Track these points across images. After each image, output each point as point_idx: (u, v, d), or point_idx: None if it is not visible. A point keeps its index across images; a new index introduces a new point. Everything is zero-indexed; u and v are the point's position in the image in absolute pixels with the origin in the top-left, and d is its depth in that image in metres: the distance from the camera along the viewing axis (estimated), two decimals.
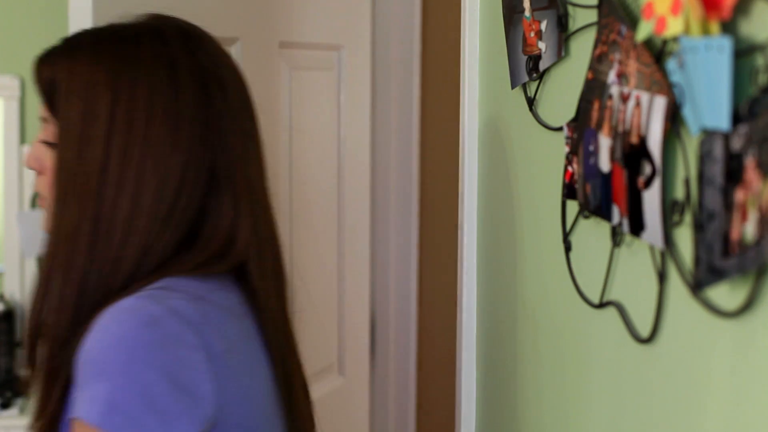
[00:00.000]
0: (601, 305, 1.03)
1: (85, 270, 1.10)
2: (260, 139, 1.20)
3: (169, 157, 1.12)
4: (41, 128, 1.19)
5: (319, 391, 2.00)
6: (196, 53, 1.17)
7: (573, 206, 1.10)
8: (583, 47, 1.08)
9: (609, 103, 0.97)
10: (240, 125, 1.17)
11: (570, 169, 1.09)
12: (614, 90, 0.96)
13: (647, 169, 0.89)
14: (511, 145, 1.30)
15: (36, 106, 3.46)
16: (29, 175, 3.43)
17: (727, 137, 0.76)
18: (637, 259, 0.96)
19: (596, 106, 1.00)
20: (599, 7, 1.01)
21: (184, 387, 1.03)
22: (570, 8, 1.11)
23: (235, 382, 1.08)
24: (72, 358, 1.06)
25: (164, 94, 1.13)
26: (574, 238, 1.11)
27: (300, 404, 1.22)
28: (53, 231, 1.13)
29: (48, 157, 1.18)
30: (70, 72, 1.15)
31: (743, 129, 0.75)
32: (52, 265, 1.12)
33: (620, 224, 0.96)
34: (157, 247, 1.11)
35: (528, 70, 1.21)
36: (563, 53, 1.12)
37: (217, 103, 1.15)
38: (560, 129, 1.13)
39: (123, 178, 1.11)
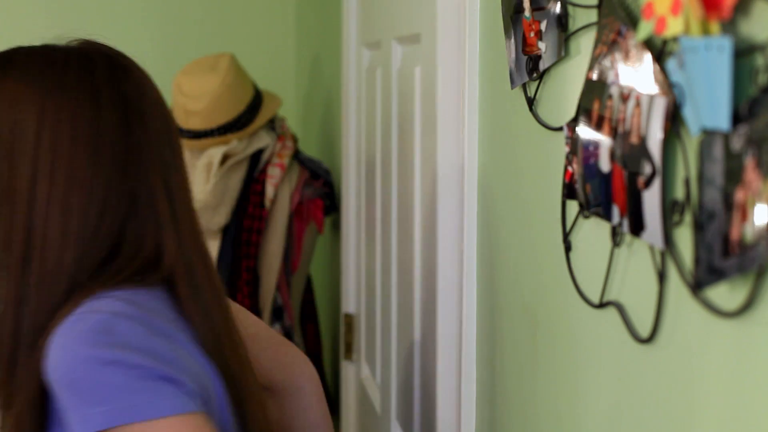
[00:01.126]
0: (601, 305, 1.03)
1: (29, 288, 1.15)
2: (184, 167, 1.25)
3: (91, 181, 1.17)
4: None
5: None
6: (121, 84, 1.22)
7: (573, 206, 1.10)
8: (583, 47, 1.08)
9: (609, 103, 0.97)
10: (159, 156, 1.22)
11: (570, 169, 1.09)
12: (614, 90, 0.96)
13: (647, 169, 0.89)
14: (511, 145, 1.30)
15: None
16: None
17: (727, 137, 0.76)
18: (637, 259, 0.96)
19: (596, 106, 1.00)
20: (599, 7, 1.01)
21: (165, 360, 1.11)
22: (570, 8, 1.11)
23: (194, 371, 1.15)
24: (31, 378, 1.13)
25: (86, 120, 1.18)
26: (574, 238, 1.11)
27: (252, 412, 1.23)
28: None
29: None
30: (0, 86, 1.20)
31: (743, 129, 0.75)
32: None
33: (620, 224, 0.96)
34: (87, 264, 1.16)
35: (528, 70, 1.21)
36: (563, 53, 1.12)
37: (136, 134, 1.20)
38: (560, 129, 1.13)
39: (52, 196, 1.16)
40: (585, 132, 1.03)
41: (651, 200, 0.89)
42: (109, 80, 1.22)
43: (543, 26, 1.16)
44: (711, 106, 0.77)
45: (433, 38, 1.47)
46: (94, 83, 1.21)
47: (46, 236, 1.16)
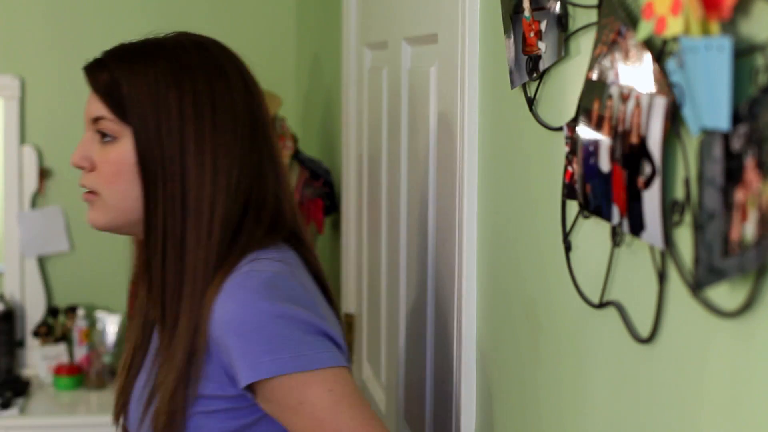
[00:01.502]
0: (601, 305, 1.03)
1: (188, 244, 1.28)
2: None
3: (233, 144, 1.32)
4: (90, 127, 1.34)
5: None
6: (234, 60, 1.38)
7: (573, 206, 1.10)
8: (583, 47, 1.08)
9: (609, 103, 0.97)
10: (271, 123, 1.38)
11: (570, 169, 1.09)
12: (614, 90, 0.96)
13: (647, 169, 0.89)
14: (511, 145, 1.30)
15: (36, 106, 3.46)
16: (29, 176, 3.43)
17: (727, 137, 0.76)
18: (637, 259, 0.96)
19: (596, 106, 1.00)
20: (599, 7, 1.01)
21: (321, 315, 1.25)
22: (570, 8, 1.11)
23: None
24: (194, 331, 1.25)
25: (221, 91, 1.32)
26: (574, 238, 1.11)
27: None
28: (149, 213, 1.30)
29: (101, 152, 1.33)
30: (131, 74, 1.31)
31: (743, 129, 0.75)
32: (160, 242, 1.30)
33: (620, 224, 0.96)
34: (231, 222, 1.30)
35: (528, 70, 1.21)
36: (563, 53, 1.12)
37: (256, 103, 1.36)
38: (560, 129, 1.13)
39: (201, 163, 1.29)
40: (585, 132, 1.03)
41: (651, 200, 0.89)
42: (225, 57, 1.37)
43: (543, 26, 1.16)
44: (711, 106, 0.77)
45: (454, 39, 1.47)
46: (216, 60, 1.35)
47: (200, 198, 1.29)
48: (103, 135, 1.33)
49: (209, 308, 1.24)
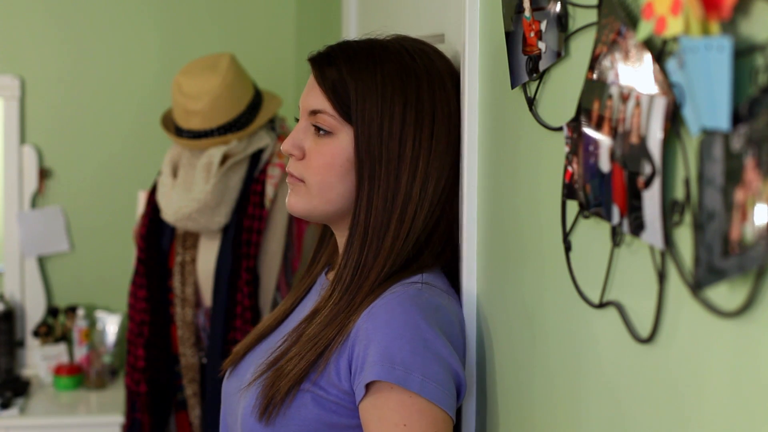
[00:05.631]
0: (601, 305, 1.03)
1: (386, 242, 1.34)
2: None
3: (445, 153, 1.37)
4: (306, 117, 1.38)
5: None
6: (451, 71, 1.41)
7: (573, 206, 1.10)
8: (583, 47, 1.08)
9: (609, 103, 0.97)
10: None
11: (570, 169, 1.09)
12: (614, 90, 0.96)
13: (647, 169, 0.89)
14: (511, 145, 1.30)
15: (36, 106, 3.46)
16: (29, 176, 3.43)
17: (727, 137, 0.77)
18: (637, 259, 0.96)
19: (596, 106, 1.00)
20: (599, 7, 1.01)
21: (461, 361, 1.30)
22: (570, 8, 1.11)
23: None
24: (351, 313, 1.31)
25: (441, 100, 1.37)
26: (574, 238, 1.11)
27: None
28: (362, 206, 1.35)
29: (315, 143, 1.37)
30: (359, 75, 1.35)
31: (743, 129, 0.75)
32: (361, 234, 1.35)
33: (620, 224, 0.96)
34: (427, 230, 1.37)
35: (528, 70, 1.21)
36: (563, 53, 1.12)
37: (459, 114, 1.40)
38: (560, 129, 1.13)
39: (415, 169, 1.35)
40: (585, 132, 1.03)
41: (651, 200, 0.89)
42: (444, 66, 1.40)
43: (543, 26, 1.16)
44: (711, 106, 0.77)
45: (459, 39, 1.47)
46: (438, 69, 1.39)
47: (407, 201, 1.34)
48: (318, 128, 1.37)
49: (370, 302, 1.29)
